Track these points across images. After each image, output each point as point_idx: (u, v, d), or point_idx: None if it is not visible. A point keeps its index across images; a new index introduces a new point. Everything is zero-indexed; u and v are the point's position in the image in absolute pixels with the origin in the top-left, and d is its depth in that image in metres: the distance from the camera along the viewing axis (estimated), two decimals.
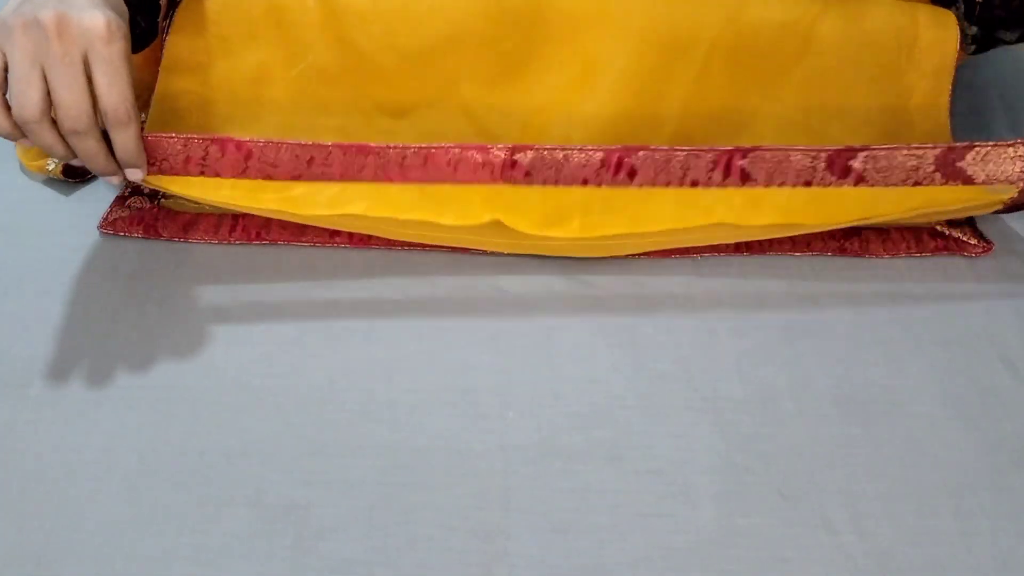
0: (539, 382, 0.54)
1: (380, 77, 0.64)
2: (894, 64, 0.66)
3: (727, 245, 0.64)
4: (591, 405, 0.53)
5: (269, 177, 0.57)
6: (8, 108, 0.53)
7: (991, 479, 0.50)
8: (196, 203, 0.63)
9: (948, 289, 0.61)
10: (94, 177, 0.68)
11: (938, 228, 0.65)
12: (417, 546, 0.46)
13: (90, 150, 0.53)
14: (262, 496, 0.48)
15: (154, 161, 0.56)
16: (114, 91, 0.52)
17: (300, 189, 0.60)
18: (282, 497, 0.48)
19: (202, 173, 0.57)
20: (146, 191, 0.64)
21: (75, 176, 0.67)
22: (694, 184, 0.59)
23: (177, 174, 0.57)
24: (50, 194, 0.66)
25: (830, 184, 0.58)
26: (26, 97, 0.52)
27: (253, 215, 0.64)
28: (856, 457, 0.51)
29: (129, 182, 0.57)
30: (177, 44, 0.63)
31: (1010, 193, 0.59)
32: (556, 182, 0.59)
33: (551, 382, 0.54)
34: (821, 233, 0.65)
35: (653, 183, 0.59)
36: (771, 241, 0.64)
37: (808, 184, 0.58)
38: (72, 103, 0.51)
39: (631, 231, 0.60)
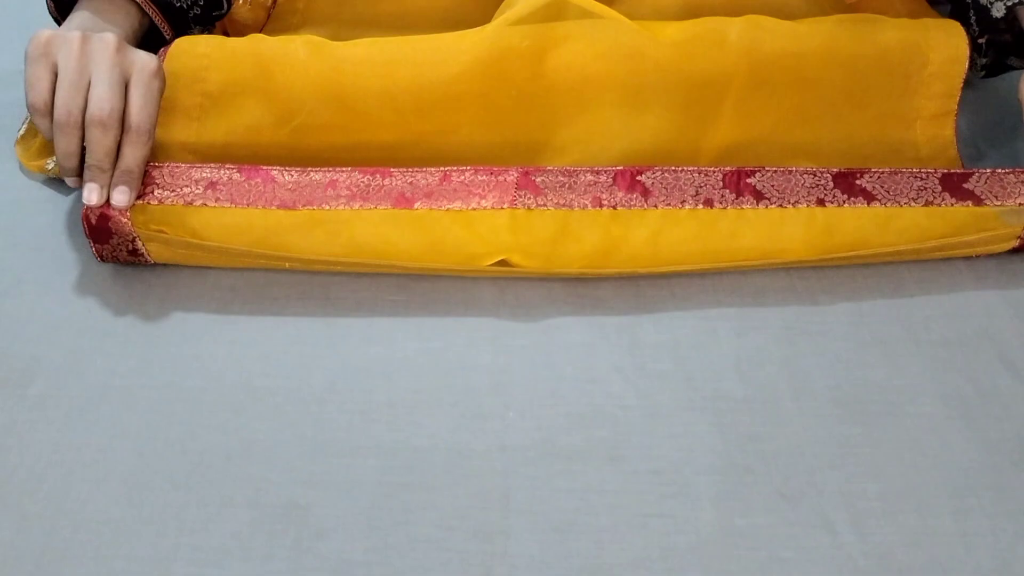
0: (539, 382, 0.54)
1: (377, 128, 0.64)
2: (903, 87, 0.66)
3: None
4: (591, 405, 0.53)
5: (283, 204, 0.58)
6: (51, 112, 0.58)
7: (991, 479, 0.50)
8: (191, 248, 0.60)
9: (948, 289, 0.61)
10: None
11: None
12: (417, 546, 0.46)
13: (104, 146, 0.57)
14: (262, 496, 0.48)
15: (175, 187, 0.59)
16: (144, 112, 0.58)
17: (309, 238, 0.59)
18: (282, 497, 0.48)
19: (217, 200, 0.58)
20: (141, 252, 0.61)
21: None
22: (708, 204, 0.59)
23: (191, 201, 0.58)
24: (50, 194, 0.66)
25: (844, 203, 0.60)
26: (72, 101, 0.57)
27: None
28: (856, 457, 0.51)
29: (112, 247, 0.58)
30: (166, 99, 0.63)
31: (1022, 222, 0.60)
32: (570, 204, 0.59)
33: (551, 382, 0.54)
34: None
35: (668, 203, 0.60)
36: None
37: (822, 203, 0.60)
38: (107, 97, 0.57)
39: (645, 270, 0.60)
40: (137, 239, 0.58)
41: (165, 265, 0.60)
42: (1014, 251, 0.62)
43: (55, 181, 0.67)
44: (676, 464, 0.50)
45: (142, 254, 0.59)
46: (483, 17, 0.67)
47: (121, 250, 0.58)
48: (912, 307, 0.60)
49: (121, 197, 0.57)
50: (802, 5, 0.73)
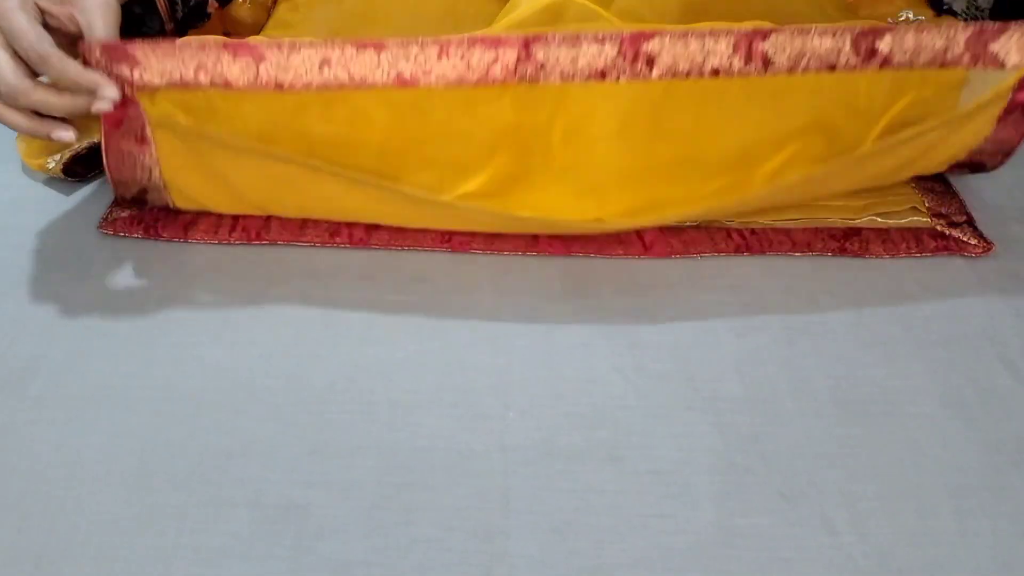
0: (539, 382, 0.54)
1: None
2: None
3: (727, 246, 0.64)
4: (591, 405, 0.53)
5: (280, 86, 0.56)
6: None
7: (991, 479, 0.50)
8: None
9: (948, 289, 0.61)
10: (94, 177, 0.68)
11: (938, 228, 0.65)
12: (417, 546, 0.46)
13: (37, 103, 0.54)
14: (262, 496, 0.48)
15: (163, 74, 0.56)
16: (33, 49, 0.53)
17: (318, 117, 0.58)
18: (282, 497, 0.48)
19: (212, 82, 0.56)
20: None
21: (75, 176, 0.67)
22: (715, 73, 0.58)
23: (187, 85, 0.56)
24: (50, 194, 0.66)
25: (855, 68, 0.58)
26: None
27: (253, 216, 0.64)
28: (856, 457, 0.51)
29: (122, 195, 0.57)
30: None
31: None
32: (572, 76, 0.57)
33: (551, 382, 0.54)
34: (821, 234, 0.65)
35: (674, 74, 0.58)
36: (771, 241, 0.64)
37: (832, 68, 0.58)
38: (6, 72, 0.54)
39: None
40: (146, 125, 0.57)
41: (166, 264, 0.60)
42: (1008, 115, 0.60)
43: (55, 181, 0.67)
44: (676, 464, 0.50)
45: (148, 143, 0.57)
46: (483, 18, 0.67)
47: (129, 137, 0.57)
48: (912, 307, 0.60)
49: (107, 95, 0.55)
50: (803, 7, 0.72)
